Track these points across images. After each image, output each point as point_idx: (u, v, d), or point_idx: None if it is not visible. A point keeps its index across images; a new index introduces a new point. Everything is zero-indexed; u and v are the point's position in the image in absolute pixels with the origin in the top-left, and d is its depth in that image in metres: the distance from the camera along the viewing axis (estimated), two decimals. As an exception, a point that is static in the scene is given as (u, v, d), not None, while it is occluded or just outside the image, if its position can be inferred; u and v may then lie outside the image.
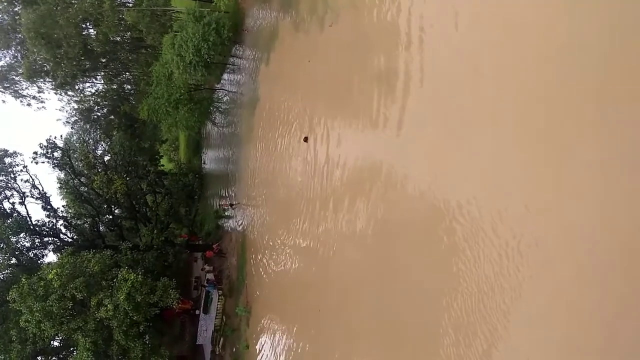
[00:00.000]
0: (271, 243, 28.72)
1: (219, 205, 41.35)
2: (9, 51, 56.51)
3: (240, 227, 37.86)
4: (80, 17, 48.45)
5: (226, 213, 42.05)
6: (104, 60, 61.26)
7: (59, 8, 45.54)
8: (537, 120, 10.44)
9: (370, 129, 17.55)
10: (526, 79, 10.89)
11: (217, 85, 53.83)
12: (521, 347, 10.30)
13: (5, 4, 51.76)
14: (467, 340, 11.49)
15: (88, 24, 53.52)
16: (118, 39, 59.97)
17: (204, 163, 68.33)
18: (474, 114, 12.30)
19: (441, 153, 13.41)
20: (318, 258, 21.39)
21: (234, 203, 40.93)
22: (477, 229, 11.55)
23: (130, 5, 55.03)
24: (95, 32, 54.36)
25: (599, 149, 9.04)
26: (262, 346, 27.45)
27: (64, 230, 40.40)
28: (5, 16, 53.18)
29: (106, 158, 50.56)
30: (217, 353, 34.68)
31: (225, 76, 51.44)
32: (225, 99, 51.81)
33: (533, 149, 10.43)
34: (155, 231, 40.54)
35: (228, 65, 48.61)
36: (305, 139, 23.54)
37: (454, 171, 12.76)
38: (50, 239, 38.61)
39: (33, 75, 54.14)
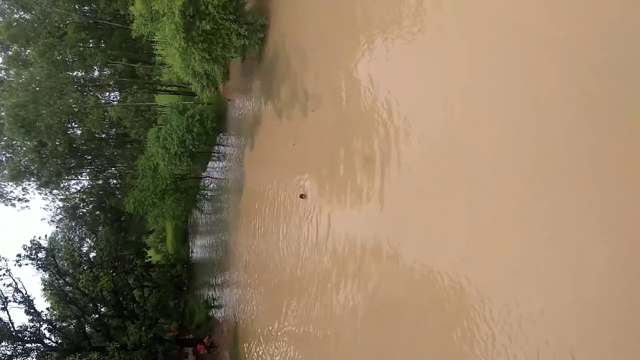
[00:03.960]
0: (265, 331, 27.61)
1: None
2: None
3: (232, 316, 36.56)
4: (65, 117, 49.29)
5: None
6: (89, 157, 61.90)
7: (43, 102, 45.46)
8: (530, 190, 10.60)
9: (360, 207, 17.61)
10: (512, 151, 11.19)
11: (203, 174, 54.43)
12: None
13: None
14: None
15: (73, 123, 54.61)
16: (103, 135, 61.10)
17: (192, 252, 67.28)
18: (457, 190, 12.49)
19: (431, 229, 13.39)
20: (315, 344, 20.51)
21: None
22: (470, 306, 11.29)
23: (115, 103, 56.74)
24: (80, 131, 55.33)
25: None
26: None
27: (47, 335, 38.58)
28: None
29: (92, 255, 49.55)
30: None
31: (210, 164, 52.16)
32: (211, 186, 52.17)
33: (529, 221, 10.48)
34: (143, 328, 38.93)
35: (213, 154, 49.49)
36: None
37: (447, 247, 12.69)
38: (33, 344, 36.74)
39: (18, 176, 54.22)
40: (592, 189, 9.13)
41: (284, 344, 24.59)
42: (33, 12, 49.51)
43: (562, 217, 9.60)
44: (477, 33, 12.57)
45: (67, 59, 49.63)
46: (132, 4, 30.63)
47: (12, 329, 35.52)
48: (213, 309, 44.59)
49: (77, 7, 50.24)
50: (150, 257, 60.92)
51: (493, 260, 11.21)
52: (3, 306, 36.75)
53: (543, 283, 9.83)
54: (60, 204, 67.60)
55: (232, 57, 33.00)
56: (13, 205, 61.36)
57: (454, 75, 13.29)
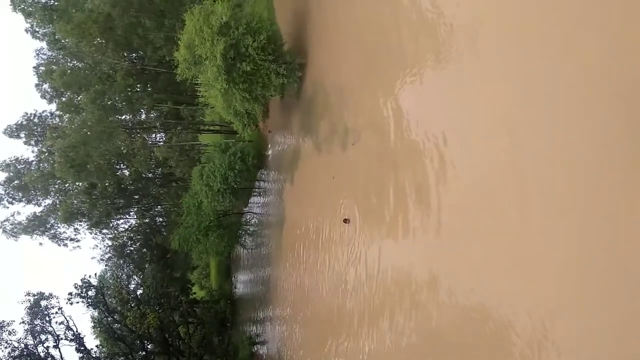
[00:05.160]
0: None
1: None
2: (49, 197, 59.83)
3: (276, 352, 36.23)
4: (113, 158, 51.44)
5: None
6: (136, 197, 64.07)
7: (94, 144, 47.37)
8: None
9: (401, 239, 17.39)
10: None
11: (245, 209, 55.22)
12: None
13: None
14: None
15: (122, 164, 56.97)
16: (150, 175, 63.30)
17: (235, 287, 67.61)
18: (501, 220, 12.19)
19: (486, 264, 13.04)
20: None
21: None
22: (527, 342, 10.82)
23: (161, 143, 58.95)
24: (128, 171, 57.57)
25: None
26: None
27: (96, 373, 39.33)
28: (45, 164, 57.14)
29: (139, 292, 50.61)
30: None
31: (252, 199, 52.91)
32: (253, 221, 52.77)
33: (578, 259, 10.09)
34: (189, 365, 39.15)
35: (254, 189, 50.26)
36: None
37: (498, 280, 12.31)
38: (82, 383, 37.53)
39: (70, 218, 56.54)
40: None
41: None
42: (85, 61, 52.68)
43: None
44: (521, 64, 12.50)
45: (116, 104, 52.23)
46: (177, 50, 32.09)
47: (63, 367, 36.45)
48: (256, 345, 44.38)
49: (125, 54, 53.13)
50: (194, 293, 61.67)
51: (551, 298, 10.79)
52: (55, 344, 37.85)
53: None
54: (109, 243, 69.88)
55: (272, 96, 33.86)
56: (65, 245, 63.90)
57: (499, 108, 13.15)
